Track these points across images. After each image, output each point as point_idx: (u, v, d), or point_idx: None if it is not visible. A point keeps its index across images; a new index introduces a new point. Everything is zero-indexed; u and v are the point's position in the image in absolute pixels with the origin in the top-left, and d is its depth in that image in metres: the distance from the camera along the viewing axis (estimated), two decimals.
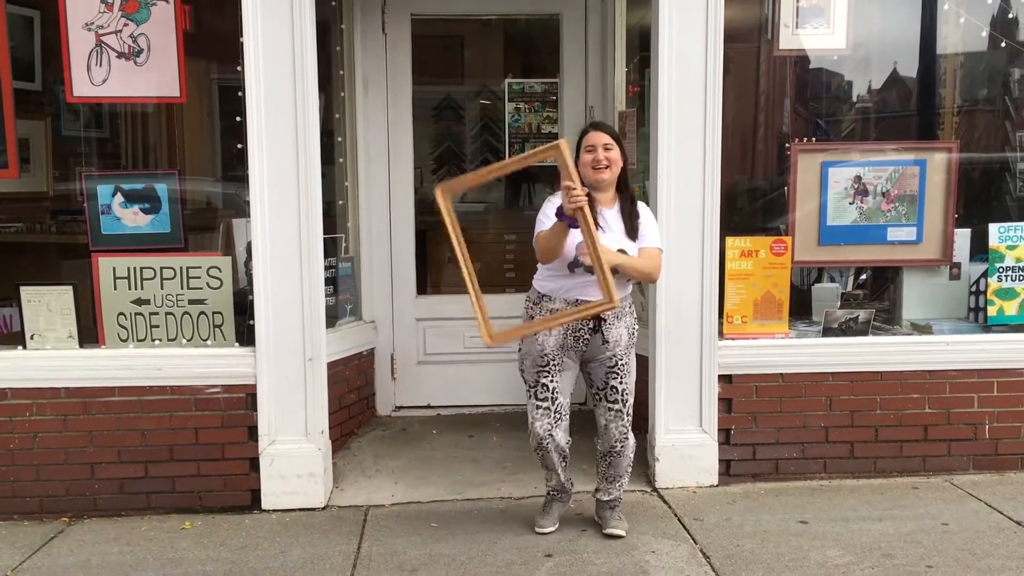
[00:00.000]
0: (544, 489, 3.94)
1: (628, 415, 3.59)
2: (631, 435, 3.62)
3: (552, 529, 3.69)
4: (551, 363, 3.50)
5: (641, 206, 3.55)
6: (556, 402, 3.54)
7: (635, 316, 3.61)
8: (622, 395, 3.56)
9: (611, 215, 3.46)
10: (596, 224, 3.24)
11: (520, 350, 3.57)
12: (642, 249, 3.45)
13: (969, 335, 4.32)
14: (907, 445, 4.26)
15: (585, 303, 3.35)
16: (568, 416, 3.62)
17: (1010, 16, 4.79)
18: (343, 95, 5.01)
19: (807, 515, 3.83)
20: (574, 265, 3.38)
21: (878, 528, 3.68)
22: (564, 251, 3.33)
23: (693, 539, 3.60)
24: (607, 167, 3.41)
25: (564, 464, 3.67)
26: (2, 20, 3.99)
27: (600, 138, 3.43)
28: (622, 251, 3.38)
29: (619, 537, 3.62)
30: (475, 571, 3.35)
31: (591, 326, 3.45)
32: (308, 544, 3.63)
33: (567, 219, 3.12)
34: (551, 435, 3.55)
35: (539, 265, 3.53)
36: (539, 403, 3.54)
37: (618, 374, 3.54)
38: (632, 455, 3.67)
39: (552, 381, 3.51)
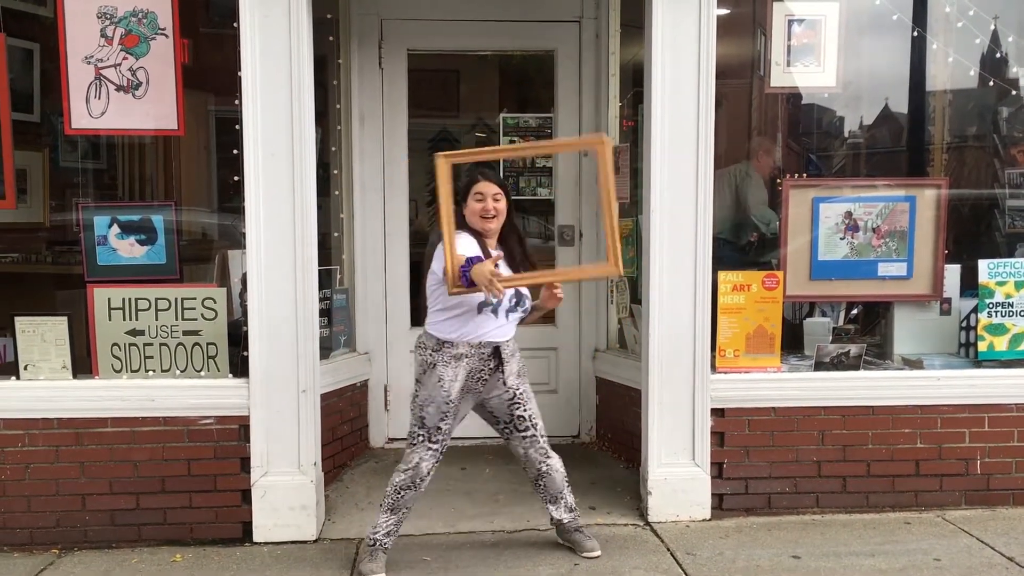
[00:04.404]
0: (539, 522, 3.94)
1: (543, 436, 3.70)
2: (552, 453, 3.73)
3: None
4: (452, 408, 3.51)
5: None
6: (444, 444, 3.57)
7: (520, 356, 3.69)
8: (530, 421, 3.66)
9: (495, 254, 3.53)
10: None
11: (418, 396, 3.53)
12: None
13: (960, 370, 4.34)
14: (899, 480, 4.26)
15: (490, 343, 3.49)
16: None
17: (997, 56, 4.87)
18: (339, 128, 5.05)
19: (800, 550, 3.83)
20: (483, 305, 3.42)
21: (870, 564, 3.68)
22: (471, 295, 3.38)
23: (686, 573, 3.59)
24: (495, 217, 3.52)
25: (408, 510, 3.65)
26: (2, 52, 4.02)
27: (490, 188, 3.52)
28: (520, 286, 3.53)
29: (598, 557, 3.68)
30: None
31: (492, 366, 3.53)
32: None
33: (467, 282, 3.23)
34: (428, 476, 3.57)
35: (430, 310, 3.54)
36: (431, 446, 3.52)
37: (519, 403, 3.64)
38: (563, 469, 3.74)
39: (448, 426, 3.55)
